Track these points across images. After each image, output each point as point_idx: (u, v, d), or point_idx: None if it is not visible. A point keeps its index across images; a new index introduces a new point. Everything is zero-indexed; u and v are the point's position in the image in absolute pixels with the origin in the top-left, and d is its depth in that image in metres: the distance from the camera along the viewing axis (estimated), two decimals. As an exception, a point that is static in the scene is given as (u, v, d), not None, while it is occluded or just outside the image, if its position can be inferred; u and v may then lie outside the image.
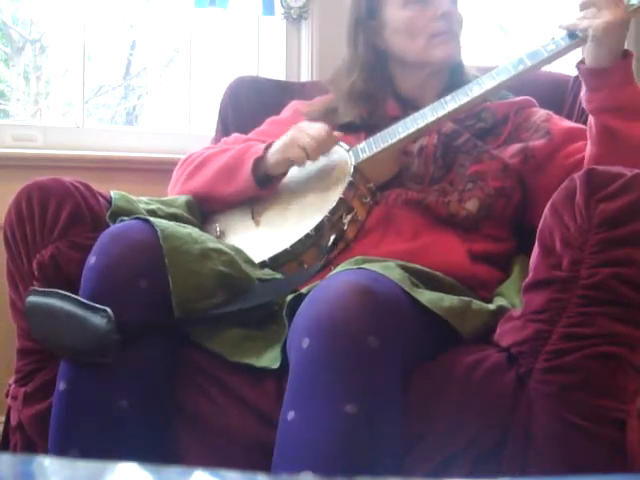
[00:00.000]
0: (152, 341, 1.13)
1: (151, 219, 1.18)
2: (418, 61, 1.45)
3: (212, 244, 1.20)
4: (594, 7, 1.22)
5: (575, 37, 1.28)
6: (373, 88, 1.47)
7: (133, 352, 1.10)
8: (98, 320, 1.07)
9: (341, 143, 1.41)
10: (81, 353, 1.10)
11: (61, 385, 1.11)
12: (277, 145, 1.38)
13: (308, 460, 0.95)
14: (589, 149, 1.29)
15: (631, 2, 1.25)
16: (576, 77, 1.65)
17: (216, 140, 1.75)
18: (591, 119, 1.27)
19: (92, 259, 1.13)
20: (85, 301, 1.09)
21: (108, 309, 1.07)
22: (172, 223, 1.20)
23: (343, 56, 1.54)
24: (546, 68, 1.56)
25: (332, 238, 1.28)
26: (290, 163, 1.37)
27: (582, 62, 1.27)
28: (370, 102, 1.46)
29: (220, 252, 1.20)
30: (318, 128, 1.36)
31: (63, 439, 1.09)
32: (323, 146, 1.35)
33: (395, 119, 1.41)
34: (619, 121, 1.23)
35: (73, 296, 1.11)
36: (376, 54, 1.48)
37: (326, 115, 1.49)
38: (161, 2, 2.14)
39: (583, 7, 1.24)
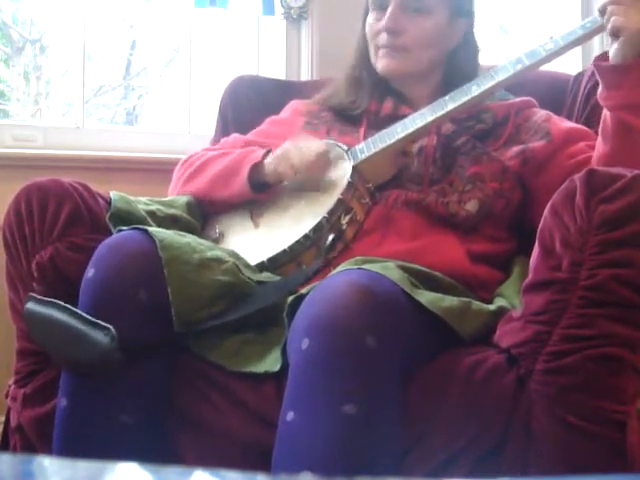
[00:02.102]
0: (153, 355, 1.12)
1: (149, 229, 1.17)
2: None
3: (211, 253, 1.20)
4: (621, 4, 1.21)
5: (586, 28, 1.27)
6: (362, 75, 1.49)
7: (134, 367, 1.10)
8: (101, 337, 1.06)
9: (340, 144, 1.41)
10: (81, 367, 1.10)
11: (63, 401, 1.11)
12: (273, 156, 1.38)
13: (307, 460, 0.94)
14: (600, 147, 1.28)
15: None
16: (576, 77, 1.65)
17: (215, 139, 1.75)
18: (606, 115, 1.26)
19: (90, 271, 1.13)
20: (87, 316, 1.08)
21: (111, 327, 1.06)
22: (170, 232, 1.20)
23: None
24: (546, 67, 1.56)
25: (330, 238, 1.28)
26: (280, 177, 1.38)
27: (599, 59, 1.27)
28: (359, 88, 1.49)
29: (219, 261, 1.19)
30: (313, 150, 1.35)
31: (66, 455, 1.09)
32: (312, 170, 1.35)
33: (390, 115, 1.42)
34: (637, 119, 1.23)
35: (75, 310, 1.10)
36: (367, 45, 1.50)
37: (326, 101, 1.52)
38: (161, 2, 2.14)
39: (608, 3, 1.22)
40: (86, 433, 1.09)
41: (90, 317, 1.08)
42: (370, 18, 1.46)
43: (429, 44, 1.44)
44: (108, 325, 1.06)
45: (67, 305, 1.11)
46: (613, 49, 1.23)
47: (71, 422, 1.10)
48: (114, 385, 1.09)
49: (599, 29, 1.27)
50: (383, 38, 1.43)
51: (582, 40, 1.29)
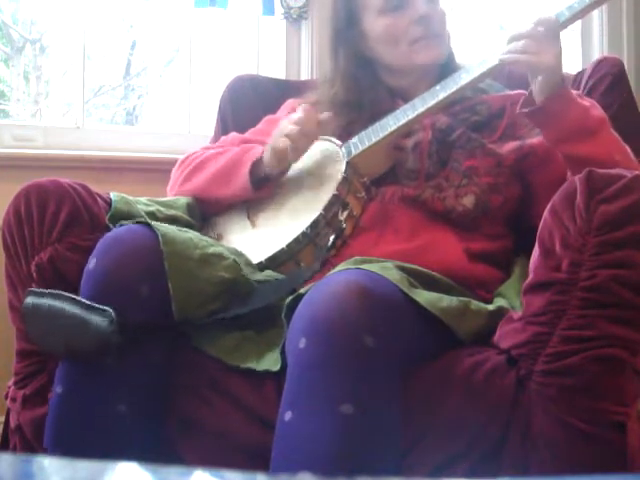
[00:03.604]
0: (151, 345, 1.12)
1: (152, 223, 1.18)
2: (404, 67, 1.45)
3: (213, 249, 1.20)
4: (533, 40, 1.22)
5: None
6: (356, 98, 1.45)
7: (132, 356, 1.10)
8: (99, 320, 1.06)
9: (333, 139, 1.41)
10: (80, 353, 1.10)
11: (58, 388, 1.11)
12: (268, 144, 1.37)
13: (305, 460, 0.94)
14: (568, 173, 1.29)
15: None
16: (576, 76, 1.65)
17: (215, 140, 1.75)
18: None
19: (92, 263, 1.13)
20: (85, 301, 1.08)
21: (109, 309, 1.06)
22: (173, 227, 1.20)
23: (326, 66, 1.53)
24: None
25: (332, 238, 1.28)
26: (282, 158, 1.35)
27: (524, 104, 1.28)
28: (352, 112, 1.45)
29: (221, 257, 1.19)
30: (299, 112, 1.34)
31: (59, 443, 1.09)
32: (306, 128, 1.32)
33: (388, 111, 1.40)
34: (576, 146, 1.24)
35: (72, 296, 1.10)
36: (358, 62, 1.47)
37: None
38: (161, 2, 2.14)
39: (517, 39, 1.24)
40: (80, 421, 1.09)
41: (88, 302, 1.08)
42: (387, 20, 1.42)
43: (445, 29, 1.45)
44: (107, 308, 1.06)
45: (64, 293, 1.11)
46: (534, 90, 1.26)
47: (65, 409, 1.10)
48: (111, 373, 1.09)
49: (587, 9, 1.28)
50: (420, 29, 1.40)
51: (569, 22, 1.29)
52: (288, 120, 1.35)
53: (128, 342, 1.08)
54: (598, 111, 1.28)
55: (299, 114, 1.34)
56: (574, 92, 1.27)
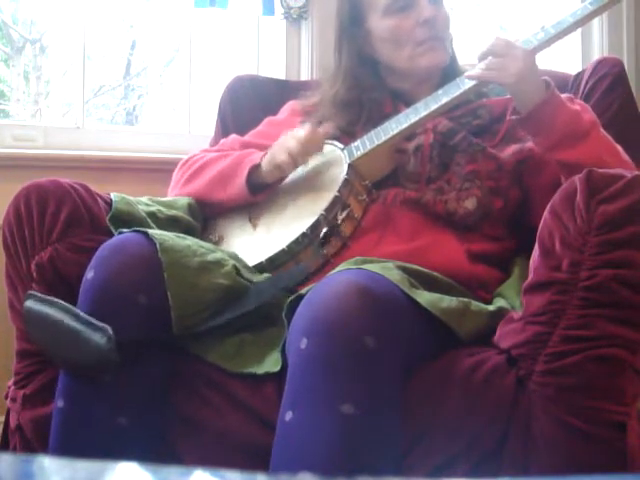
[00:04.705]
0: (151, 357, 1.12)
1: (150, 231, 1.17)
2: (407, 70, 1.45)
3: (211, 256, 1.20)
4: (494, 56, 1.25)
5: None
6: (357, 97, 1.46)
7: (132, 369, 1.10)
8: (98, 338, 1.06)
9: (335, 142, 1.41)
10: (79, 367, 1.10)
11: (59, 402, 1.11)
12: (268, 152, 1.38)
13: (305, 460, 0.94)
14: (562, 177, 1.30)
15: (529, 42, 1.28)
16: (575, 77, 1.65)
17: (215, 140, 1.75)
18: None
19: (90, 273, 1.13)
20: (85, 316, 1.08)
21: (108, 327, 1.06)
22: (171, 235, 1.20)
23: (331, 63, 1.54)
24: (546, 66, 1.56)
25: (324, 230, 1.28)
26: (281, 170, 1.36)
27: (514, 113, 1.29)
28: (352, 111, 1.45)
29: (219, 264, 1.19)
30: (303, 130, 1.35)
31: (63, 456, 1.09)
32: (309, 147, 1.34)
33: (390, 114, 1.41)
34: (567, 152, 1.24)
35: (73, 309, 1.10)
36: (361, 61, 1.47)
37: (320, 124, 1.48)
38: (161, 2, 2.14)
39: (482, 58, 1.27)
40: (83, 435, 1.09)
41: (88, 317, 1.08)
42: (392, 21, 1.42)
43: (448, 32, 1.45)
44: (105, 325, 1.06)
45: (66, 304, 1.11)
46: (516, 104, 1.28)
47: (68, 423, 1.10)
48: (112, 387, 1.09)
49: (590, 17, 1.28)
50: (424, 31, 1.40)
51: (573, 28, 1.30)
52: (292, 136, 1.35)
53: (126, 359, 1.07)
54: (589, 114, 1.28)
55: (304, 132, 1.34)
56: (564, 96, 1.27)
